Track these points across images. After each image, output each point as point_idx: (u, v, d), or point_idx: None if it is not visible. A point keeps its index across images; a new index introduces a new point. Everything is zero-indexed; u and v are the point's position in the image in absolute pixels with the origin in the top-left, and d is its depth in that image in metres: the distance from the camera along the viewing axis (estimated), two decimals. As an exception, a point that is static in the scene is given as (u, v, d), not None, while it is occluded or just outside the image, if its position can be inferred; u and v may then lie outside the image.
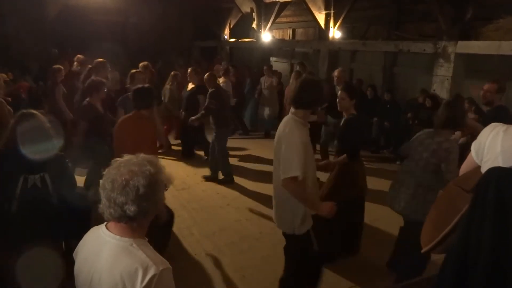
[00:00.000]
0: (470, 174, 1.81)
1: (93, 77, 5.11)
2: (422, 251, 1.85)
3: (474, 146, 1.78)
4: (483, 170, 1.65)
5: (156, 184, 1.39)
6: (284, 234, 2.86)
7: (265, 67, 9.28)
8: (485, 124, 1.89)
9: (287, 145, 2.59)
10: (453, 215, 1.71)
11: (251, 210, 5.03)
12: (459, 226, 1.67)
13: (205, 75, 5.97)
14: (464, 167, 1.91)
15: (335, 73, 6.13)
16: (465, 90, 6.68)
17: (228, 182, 5.92)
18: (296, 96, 2.67)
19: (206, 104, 5.79)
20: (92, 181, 4.63)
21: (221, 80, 7.44)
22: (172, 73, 7.62)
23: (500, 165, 1.58)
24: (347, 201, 3.45)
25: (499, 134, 1.64)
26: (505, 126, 1.67)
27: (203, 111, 5.87)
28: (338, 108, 3.81)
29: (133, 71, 5.34)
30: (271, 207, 2.98)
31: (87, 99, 4.71)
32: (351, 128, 3.70)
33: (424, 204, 3.05)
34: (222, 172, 6.01)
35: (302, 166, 2.54)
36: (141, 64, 6.73)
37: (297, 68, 8.37)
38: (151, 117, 3.65)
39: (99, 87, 4.70)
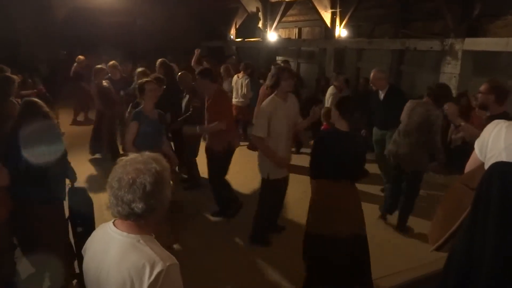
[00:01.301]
0: (475, 171, 1.81)
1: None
2: (430, 250, 1.85)
3: (477, 143, 1.78)
4: (487, 166, 1.64)
5: (162, 181, 1.41)
6: (262, 180, 3.77)
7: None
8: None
9: (259, 112, 3.57)
10: (459, 213, 1.70)
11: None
12: (464, 223, 1.68)
13: (179, 74, 5.51)
14: (469, 165, 1.90)
15: (371, 76, 5.12)
16: (473, 88, 6.62)
17: (192, 186, 5.49)
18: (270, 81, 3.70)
19: (191, 103, 5.16)
20: None
21: (240, 75, 7.47)
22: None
23: (504, 160, 1.57)
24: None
25: (502, 130, 1.63)
26: (508, 122, 1.66)
27: (189, 112, 5.13)
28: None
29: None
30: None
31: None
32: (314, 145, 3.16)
33: (419, 157, 4.04)
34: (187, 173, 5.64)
35: (265, 130, 3.46)
36: (109, 64, 6.69)
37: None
38: None
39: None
